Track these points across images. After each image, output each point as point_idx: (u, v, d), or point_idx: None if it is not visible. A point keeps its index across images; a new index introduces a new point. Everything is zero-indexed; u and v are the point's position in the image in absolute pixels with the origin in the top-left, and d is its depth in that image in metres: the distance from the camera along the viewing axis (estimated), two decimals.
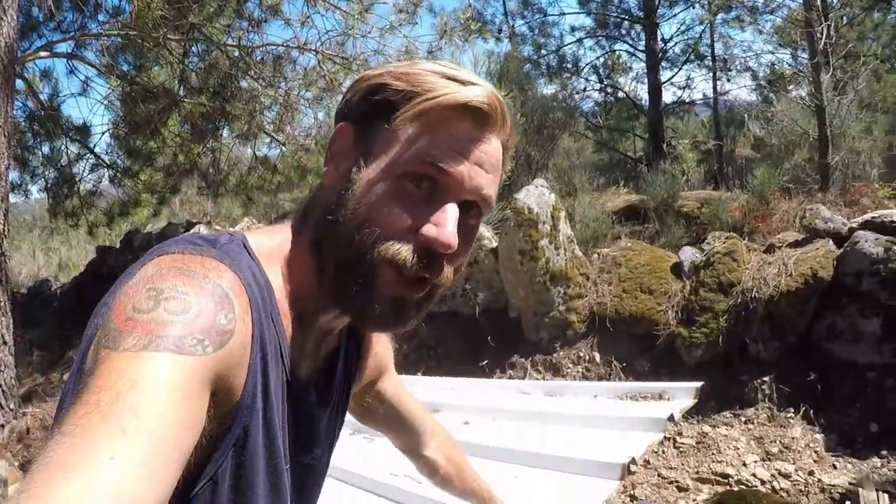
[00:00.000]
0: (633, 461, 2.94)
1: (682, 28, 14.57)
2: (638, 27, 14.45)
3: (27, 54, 7.35)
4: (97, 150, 9.47)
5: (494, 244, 6.53)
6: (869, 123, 8.19)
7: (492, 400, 4.47)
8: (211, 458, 0.82)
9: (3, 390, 5.58)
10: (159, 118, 8.43)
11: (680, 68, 14.61)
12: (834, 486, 4.17)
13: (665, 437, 4.85)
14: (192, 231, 8.54)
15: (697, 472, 4.53)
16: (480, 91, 0.92)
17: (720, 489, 4.26)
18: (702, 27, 14.17)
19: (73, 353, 7.38)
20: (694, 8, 13.98)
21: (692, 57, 14.44)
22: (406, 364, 6.79)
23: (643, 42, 14.19)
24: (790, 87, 10.34)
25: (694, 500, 4.22)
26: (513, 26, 14.80)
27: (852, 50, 9.24)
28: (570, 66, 14.90)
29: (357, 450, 3.41)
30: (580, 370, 5.93)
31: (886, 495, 3.36)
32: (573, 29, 15.00)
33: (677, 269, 6.05)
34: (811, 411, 4.87)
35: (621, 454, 2.99)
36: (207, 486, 0.82)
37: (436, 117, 0.90)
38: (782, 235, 6.00)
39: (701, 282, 5.66)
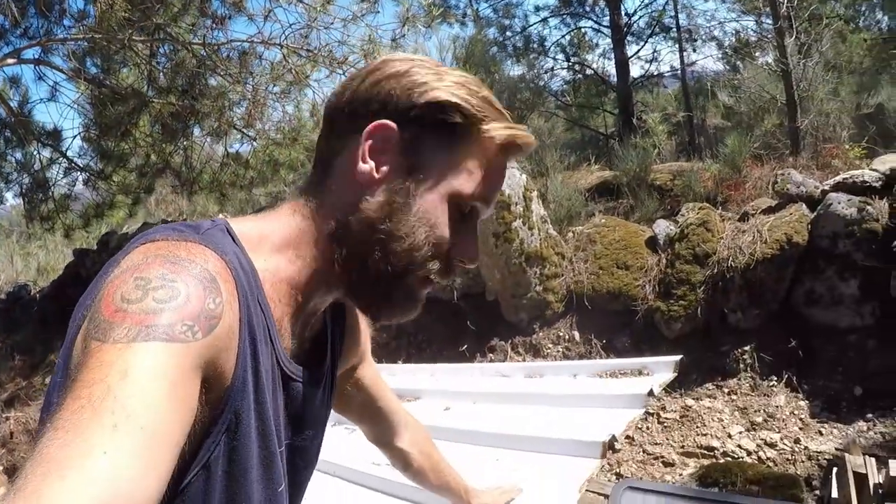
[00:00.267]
0: (614, 438, 2.86)
1: (646, 1, 14.52)
2: (601, 3, 14.35)
3: None
4: (69, 153, 9.45)
5: None
6: (836, 85, 8.17)
7: (472, 384, 4.40)
8: (203, 445, 0.81)
9: None
10: (130, 119, 8.36)
11: (646, 42, 14.52)
12: (821, 452, 4.14)
13: (648, 413, 4.80)
14: None
15: (683, 447, 4.48)
16: (529, 135, 1.01)
17: (706, 462, 4.21)
18: None
19: (55, 357, 7.35)
20: None
21: (657, 30, 14.35)
22: (387, 353, 6.72)
23: (607, 17, 14.10)
24: (756, 54, 10.30)
25: (680, 475, 4.17)
26: (477, 10, 14.67)
27: (815, 12, 9.19)
28: (536, 46, 14.79)
29: (339, 440, 3.33)
30: (560, 350, 5.87)
31: (874, 459, 3.31)
32: (537, 9, 14.97)
33: (652, 243, 6.00)
34: (794, 378, 4.84)
35: (602, 432, 2.90)
36: (200, 473, 0.81)
37: (494, 153, 0.98)
38: (756, 203, 5.96)
39: (676, 254, 5.61)
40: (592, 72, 15.39)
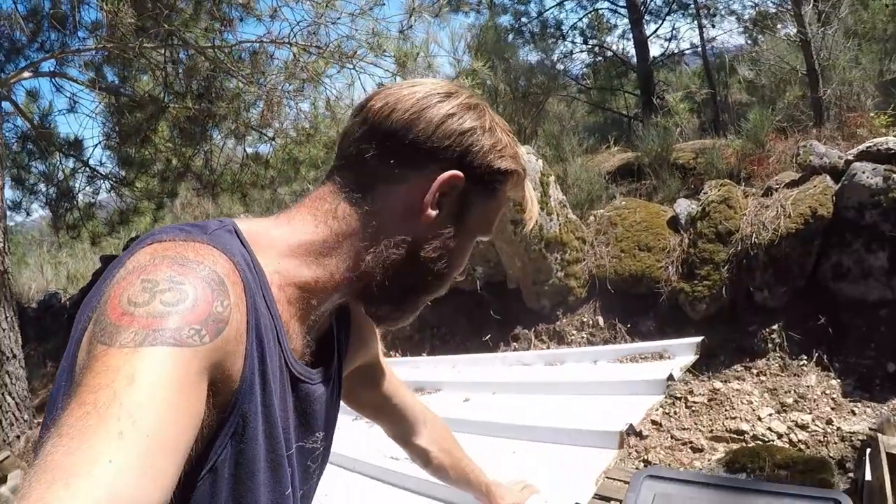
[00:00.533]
0: (632, 428, 2.79)
1: None
2: None
3: (10, 76, 7.45)
4: (91, 162, 9.64)
5: None
6: (857, 53, 7.94)
7: (493, 374, 4.39)
8: (211, 448, 0.81)
9: (16, 402, 5.80)
10: (148, 126, 8.49)
11: (664, 20, 14.31)
12: (854, 433, 4.00)
13: (676, 397, 4.70)
14: None
15: (711, 431, 4.37)
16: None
17: (736, 447, 4.09)
18: None
19: None
20: None
21: (675, 7, 14.13)
22: (410, 346, 6.68)
23: None
24: (778, 26, 10.06)
25: (709, 461, 4.06)
26: None
27: None
28: (553, 30, 14.64)
29: (359, 435, 3.32)
30: (584, 336, 5.77)
31: None
32: None
33: (674, 223, 5.87)
34: (825, 356, 4.70)
35: (620, 421, 2.83)
36: (207, 476, 0.81)
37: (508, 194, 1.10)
38: (780, 177, 5.80)
39: (699, 233, 5.48)
40: (612, 53, 15.22)
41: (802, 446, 4.05)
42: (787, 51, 8.67)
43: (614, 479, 2.42)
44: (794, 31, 8.02)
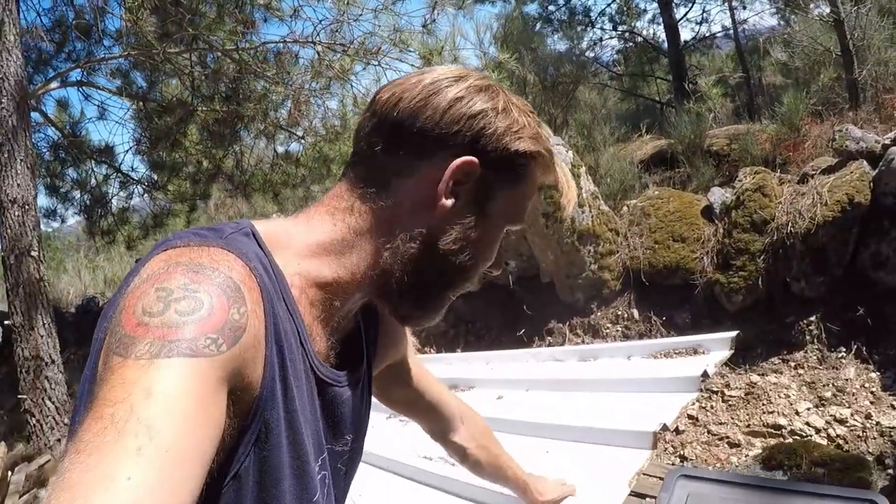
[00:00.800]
0: (665, 427, 2.76)
1: None
2: None
3: (38, 88, 7.56)
4: (123, 167, 9.73)
5: None
6: (892, 32, 7.75)
7: (526, 371, 4.36)
8: (233, 456, 0.80)
9: (56, 406, 5.83)
10: (178, 129, 8.63)
11: (694, 3, 14.13)
12: (893, 428, 3.92)
13: (712, 392, 4.64)
14: None
15: (748, 426, 4.31)
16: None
17: (773, 442, 4.03)
18: None
19: None
20: None
21: None
22: (445, 342, 6.69)
23: None
24: (811, 6, 9.86)
25: (746, 457, 4.01)
26: None
27: None
28: (581, 17, 14.51)
29: (393, 434, 3.33)
30: (619, 329, 5.73)
31: None
32: None
33: (708, 213, 5.80)
34: (864, 348, 4.60)
35: (653, 421, 2.80)
36: (231, 483, 0.80)
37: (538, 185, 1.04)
38: (816, 162, 5.69)
39: (733, 223, 5.40)
40: (642, 39, 15.07)
41: (841, 441, 3.98)
42: (820, 31, 8.50)
43: (650, 476, 2.41)
44: (828, 10, 7.87)
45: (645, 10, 15.16)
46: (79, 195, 9.70)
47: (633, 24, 15.18)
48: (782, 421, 4.23)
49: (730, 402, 4.60)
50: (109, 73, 8.32)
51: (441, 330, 6.83)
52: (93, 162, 9.44)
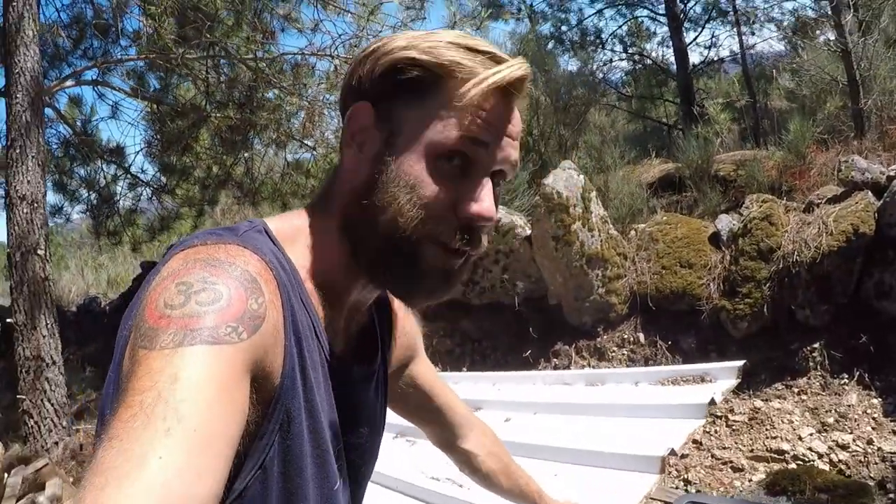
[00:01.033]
0: (673, 453, 2.84)
1: None
2: None
3: (53, 85, 7.57)
4: (133, 169, 9.77)
5: (528, 231, 6.42)
6: None
7: (533, 394, 4.41)
8: (257, 446, 0.82)
9: (55, 408, 5.82)
10: (190, 134, 8.70)
11: (703, 27, 14.23)
12: (895, 453, 4.00)
13: (716, 416, 4.72)
14: None
15: (752, 451, 4.39)
16: (517, 70, 0.90)
17: (776, 467, 4.11)
18: None
19: None
20: None
21: (714, 14, 14.04)
22: (451, 360, 6.73)
23: (663, 5, 13.87)
24: (817, 33, 9.95)
25: (749, 481, 4.09)
26: (531, 5, 14.58)
27: None
28: (592, 38, 14.65)
29: (400, 453, 3.38)
30: (625, 353, 5.81)
31: None
32: (592, 0, 14.73)
33: (715, 239, 5.89)
34: (866, 375, 4.68)
35: (661, 446, 2.88)
36: (258, 474, 0.82)
37: (472, 98, 0.89)
38: (821, 191, 5.78)
39: (740, 250, 5.49)
40: (651, 61, 15.17)
41: (843, 467, 4.06)
42: (827, 60, 8.60)
43: (657, 500, 2.47)
44: (833, 37, 7.95)
45: (655, 33, 15.28)
46: (86, 194, 9.72)
47: (642, 45, 15.30)
48: (785, 446, 4.31)
49: (734, 427, 4.68)
50: (125, 73, 8.38)
51: (447, 348, 6.89)
52: (102, 161, 9.48)
